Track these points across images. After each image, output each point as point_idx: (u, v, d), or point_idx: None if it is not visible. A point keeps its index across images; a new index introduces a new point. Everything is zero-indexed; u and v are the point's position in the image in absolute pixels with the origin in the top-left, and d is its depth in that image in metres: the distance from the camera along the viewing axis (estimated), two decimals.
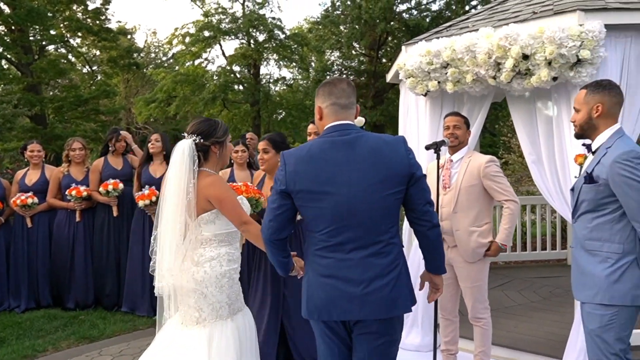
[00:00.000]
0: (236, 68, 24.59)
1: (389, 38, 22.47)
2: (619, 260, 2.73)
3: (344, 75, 24.30)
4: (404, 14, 21.51)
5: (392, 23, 20.51)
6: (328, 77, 24.55)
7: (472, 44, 4.12)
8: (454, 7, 21.25)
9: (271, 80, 26.65)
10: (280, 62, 25.61)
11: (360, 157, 2.46)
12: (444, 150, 4.47)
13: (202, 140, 3.03)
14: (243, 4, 23.83)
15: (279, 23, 23.61)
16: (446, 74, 4.33)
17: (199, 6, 24.07)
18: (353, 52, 23.50)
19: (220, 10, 23.14)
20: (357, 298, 2.42)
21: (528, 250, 6.98)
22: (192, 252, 3.02)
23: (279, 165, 2.57)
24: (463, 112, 4.67)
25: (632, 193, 2.64)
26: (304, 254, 2.63)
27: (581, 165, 3.19)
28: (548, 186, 4.10)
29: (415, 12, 21.01)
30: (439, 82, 4.43)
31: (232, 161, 5.56)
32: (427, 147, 3.82)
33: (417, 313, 4.68)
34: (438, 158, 3.81)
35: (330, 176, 2.45)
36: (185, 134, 3.07)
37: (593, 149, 2.92)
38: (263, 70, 27.86)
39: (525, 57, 3.88)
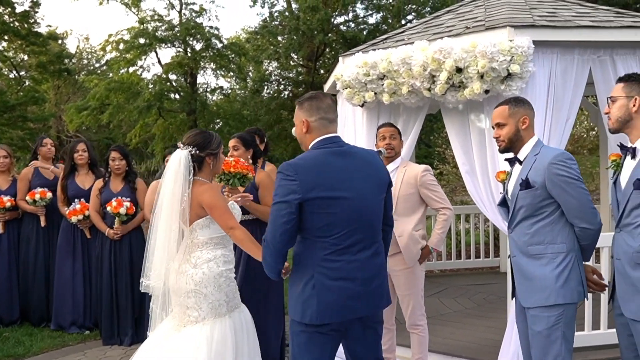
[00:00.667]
0: (172, 76, 24.13)
1: (327, 50, 22.68)
2: (564, 258, 2.84)
3: (282, 86, 24.36)
4: (341, 27, 21.79)
5: (329, 35, 20.71)
6: (266, 87, 24.55)
7: (408, 56, 4.20)
8: (390, 21, 21.70)
9: (208, 90, 26.35)
10: (218, 72, 25.37)
11: (359, 165, 2.73)
12: None
13: (197, 152, 3.25)
14: (180, 12, 23.47)
15: (216, 32, 23.36)
16: (382, 85, 4.39)
17: (134, 13, 23.54)
18: (291, 62, 23.57)
19: (156, 17, 22.69)
20: (362, 296, 2.66)
21: (462, 259, 7.16)
22: (188, 255, 3.25)
23: (282, 177, 2.61)
24: (399, 123, 4.76)
25: (571, 190, 2.77)
26: (305, 260, 2.67)
27: (503, 182, 3.28)
28: (481, 196, 4.21)
29: (352, 25, 21.30)
30: (375, 93, 4.48)
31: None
32: (380, 153, 3.88)
33: None
34: None
35: (341, 182, 2.65)
36: (181, 145, 3.28)
37: (521, 159, 3.00)
38: (200, 79, 27.45)
39: (459, 70, 3.99)
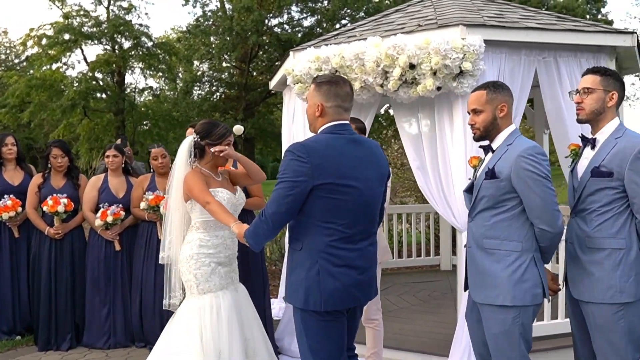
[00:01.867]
0: (99, 75, 23.26)
1: (260, 52, 22.55)
2: (518, 258, 2.72)
3: (214, 88, 23.99)
4: (275, 28, 21.73)
5: (264, 37, 20.59)
6: (197, 88, 24.09)
7: (361, 52, 4.19)
8: (324, 25, 21.85)
9: (137, 90, 25.58)
10: (147, 71, 24.69)
11: (367, 155, 2.75)
12: None
13: (198, 140, 3.50)
14: (107, 8, 22.68)
15: (146, 30, 22.74)
16: None
17: (58, 7, 22.54)
18: (224, 64, 23.28)
19: (82, 12, 21.81)
20: (361, 285, 2.71)
21: (404, 257, 7.25)
22: (185, 234, 3.58)
23: (293, 158, 2.58)
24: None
25: (535, 188, 2.65)
26: (309, 246, 2.64)
27: (475, 167, 3.20)
28: (432, 191, 4.26)
29: (287, 27, 21.29)
30: None
31: (107, 167, 5.21)
32: None
33: None
34: None
35: (351, 170, 2.65)
36: (192, 131, 3.57)
37: (494, 148, 2.88)
38: (128, 78, 26.59)
39: (412, 66, 4.02)
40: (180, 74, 26.23)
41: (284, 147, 5.31)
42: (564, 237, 2.96)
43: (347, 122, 2.77)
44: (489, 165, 2.83)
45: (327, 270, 2.61)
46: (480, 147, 3.07)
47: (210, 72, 23.64)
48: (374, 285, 2.85)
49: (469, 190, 3.06)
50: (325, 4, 21.16)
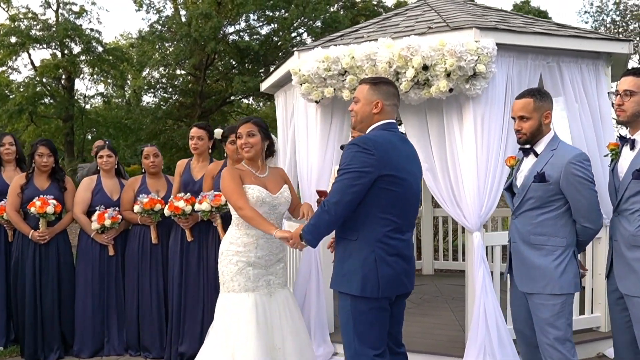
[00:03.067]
0: (47, 80, 22.41)
1: (216, 59, 22.30)
2: (563, 252, 2.99)
3: (168, 95, 23.52)
4: (232, 36, 21.55)
5: (221, 44, 20.38)
6: (151, 95, 23.57)
7: (373, 52, 4.19)
8: (281, 34, 21.83)
9: (87, 96, 24.80)
10: (97, 77, 23.98)
11: (412, 152, 3.03)
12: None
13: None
14: (57, 12, 21.93)
15: (97, 35, 22.10)
16: (344, 81, 4.34)
17: (3, 9, 21.61)
18: (178, 71, 22.88)
19: (30, 15, 21.00)
20: (408, 273, 2.92)
21: None
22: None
23: (359, 150, 2.76)
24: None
25: (584, 191, 2.92)
26: (365, 235, 2.81)
27: (512, 167, 3.34)
28: (442, 193, 4.28)
29: (244, 35, 21.14)
30: (334, 89, 4.43)
31: (99, 168, 4.99)
32: (342, 147, 3.83)
33: (309, 325, 4.55)
34: None
35: (406, 164, 2.89)
36: None
37: (538, 152, 3.08)
38: (78, 84, 25.76)
39: (425, 68, 4.05)
40: (128, 81, 25.62)
41: (280, 148, 5.24)
42: (608, 235, 3.18)
43: (394, 121, 3.02)
44: (537, 168, 3.03)
45: (383, 259, 2.80)
46: (521, 149, 3.26)
47: (164, 79, 23.15)
48: (414, 275, 3.05)
49: (508, 189, 3.30)
50: (283, 13, 21.14)
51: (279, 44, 21.92)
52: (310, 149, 4.73)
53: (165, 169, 5.94)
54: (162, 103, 22.60)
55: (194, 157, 4.82)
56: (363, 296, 2.80)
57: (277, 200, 3.55)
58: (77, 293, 4.75)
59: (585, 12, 20.47)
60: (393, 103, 3.00)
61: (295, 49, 4.87)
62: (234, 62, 22.13)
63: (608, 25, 18.83)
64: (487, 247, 4.22)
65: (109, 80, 24.78)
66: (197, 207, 4.29)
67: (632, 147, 2.98)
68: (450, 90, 4.06)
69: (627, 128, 3.08)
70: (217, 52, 20.50)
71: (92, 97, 25.18)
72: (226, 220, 4.37)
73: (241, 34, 21.39)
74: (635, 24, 18.93)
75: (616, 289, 3.05)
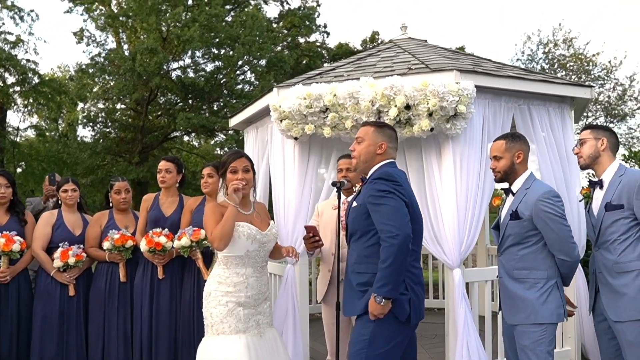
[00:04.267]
0: None
1: (159, 95, 21.96)
2: (545, 284, 3.16)
3: (108, 129, 22.91)
4: (176, 72, 21.33)
5: (164, 79, 20.11)
6: (90, 129, 22.87)
7: (355, 90, 4.25)
8: (225, 71, 21.80)
9: (19, 128, 23.77)
10: (31, 109, 23.07)
11: (411, 188, 3.17)
12: (328, 191, 4.52)
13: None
14: None
15: (33, 66, 21.34)
16: (325, 118, 4.37)
17: None
18: (118, 105, 22.36)
19: None
20: (424, 300, 3.10)
21: None
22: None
23: (388, 183, 2.92)
24: (331, 158, 4.77)
25: (553, 226, 3.09)
26: None
27: (498, 207, 3.53)
28: None
29: (189, 71, 20.99)
30: (315, 126, 4.44)
31: (61, 202, 4.75)
32: (334, 184, 3.82)
33: None
34: (339, 197, 3.79)
35: (414, 199, 3.09)
36: None
37: (514, 191, 3.29)
38: (11, 116, 24.69)
39: (408, 107, 4.14)
40: (63, 114, 24.80)
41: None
42: (590, 270, 3.40)
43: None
44: (512, 207, 3.23)
45: (412, 288, 2.96)
46: (502, 189, 3.50)
47: (103, 113, 22.54)
48: None
49: (496, 227, 3.46)
50: (228, 50, 21.17)
51: (223, 81, 21.89)
52: (287, 186, 4.70)
53: (100, 207, 5.71)
54: (100, 138, 21.93)
55: (162, 191, 4.69)
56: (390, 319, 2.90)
57: (267, 238, 3.48)
58: (33, 337, 4.44)
59: (518, 59, 21.57)
60: (394, 146, 3.22)
61: (275, 85, 4.88)
62: (177, 98, 21.86)
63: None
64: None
65: (43, 113, 23.91)
66: (176, 243, 4.15)
67: (601, 187, 3.33)
68: (432, 129, 4.16)
69: (593, 175, 3.37)
70: (161, 88, 20.19)
71: (25, 129, 24.15)
72: (206, 257, 4.25)
73: (186, 70, 21.20)
74: (562, 72, 20.20)
75: (604, 320, 3.30)
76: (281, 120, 4.50)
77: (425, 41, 5.88)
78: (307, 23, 24.01)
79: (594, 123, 4.02)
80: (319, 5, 24.68)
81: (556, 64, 20.23)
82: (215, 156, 27.57)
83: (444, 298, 6.93)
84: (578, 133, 3.69)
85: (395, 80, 4.17)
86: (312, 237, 3.65)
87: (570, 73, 19.98)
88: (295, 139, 4.58)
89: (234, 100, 21.65)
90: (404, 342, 3.01)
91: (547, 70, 20.63)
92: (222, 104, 22.71)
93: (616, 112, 19.98)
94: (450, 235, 4.20)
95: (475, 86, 4.17)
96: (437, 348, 5.39)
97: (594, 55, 20.11)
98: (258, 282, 3.39)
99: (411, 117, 4.16)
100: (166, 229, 4.31)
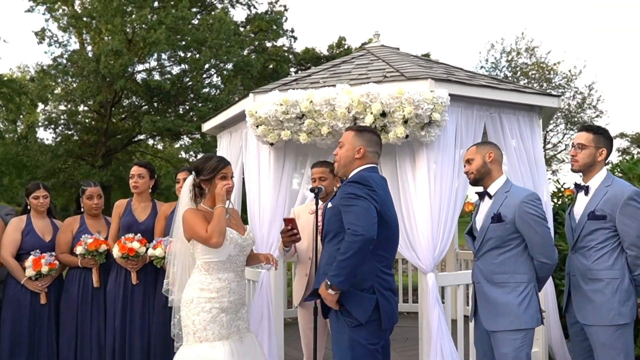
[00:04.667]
0: None
1: (123, 97, 21.66)
2: (525, 288, 3.19)
3: (71, 131, 22.47)
4: (140, 74, 21.08)
5: (129, 82, 19.85)
6: (51, 131, 22.38)
7: (332, 97, 4.29)
8: (190, 75, 21.64)
9: None
10: None
11: (390, 194, 3.19)
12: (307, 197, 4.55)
13: (194, 178, 3.43)
14: None
15: None
16: (301, 124, 4.40)
17: None
18: (81, 107, 21.95)
19: None
20: (397, 306, 3.13)
21: None
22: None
23: (362, 186, 2.93)
24: (306, 164, 4.80)
25: (537, 228, 3.14)
26: (364, 271, 2.93)
27: (471, 212, 3.58)
28: None
29: (155, 74, 20.75)
30: (291, 132, 4.47)
31: (30, 207, 4.66)
32: (312, 190, 3.86)
33: None
34: (317, 203, 3.83)
35: (390, 206, 3.11)
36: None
37: (492, 194, 3.33)
38: None
39: (384, 114, 4.21)
40: (22, 115, 24.22)
41: None
42: (566, 271, 3.49)
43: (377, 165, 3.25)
44: (493, 210, 3.26)
45: (382, 294, 2.98)
46: (477, 192, 3.52)
47: (65, 115, 22.09)
48: None
49: (469, 233, 3.49)
50: (195, 53, 21.02)
51: (189, 84, 21.72)
52: (262, 191, 4.71)
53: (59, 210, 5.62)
54: (62, 140, 21.47)
55: (134, 197, 4.64)
56: (364, 326, 2.93)
57: (246, 242, 3.52)
58: (2, 344, 4.34)
59: (482, 67, 22.09)
60: (375, 150, 3.22)
61: (251, 91, 4.87)
62: (142, 101, 21.58)
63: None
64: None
65: (1, 114, 23.29)
66: (150, 252, 4.12)
67: (586, 193, 3.39)
68: (406, 136, 4.23)
69: (581, 176, 3.41)
70: (126, 90, 19.91)
71: None
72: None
73: (152, 72, 20.96)
74: (524, 80, 20.74)
75: (576, 322, 3.39)
76: (257, 126, 4.51)
77: (398, 49, 5.97)
78: (275, 27, 24.05)
79: (592, 125, 4.01)
80: (286, 10, 24.74)
81: (519, 72, 20.77)
82: (180, 160, 27.23)
83: (414, 302, 7.14)
84: (573, 137, 3.72)
85: (372, 87, 4.22)
86: (290, 230, 3.65)
87: (533, 81, 20.52)
88: (271, 144, 4.59)
89: (200, 104, 21.52)
90: (378, 349, 3.02)
91: (509, 78, 21.14)
92: (188, 108, 22.55)
93: (576, 119, 20.61)
94: (424, 241, 4.27)
95: (449, 94, 4.26)
96: (409, 351, 5.46)
97: (555, 64, 20.77)
98: (239, 287, 3.42)
99: (387, 124, 4.22)
100: (139, 235, 4.27)
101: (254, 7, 24.34)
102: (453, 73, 4.86)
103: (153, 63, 21.27)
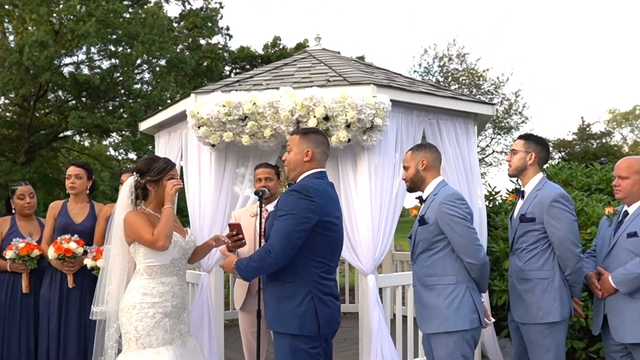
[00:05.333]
0: None
1: (49, 91, 20.73)
2: (454, 290, 3.20)
3: None
4: (68, 67, 20.24)
5: (55, 75, 19.02)
6: None
7: (275, 100, 4.30)
8: (121, 70, 20.99)
9: None
10: None
11: (337, 198, 3.23)
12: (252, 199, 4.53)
13: (138, 178, 3.35)
14: None
15: None
16: (244, 126, 4.38)
17: None
18: (2, 100, 20.85)
19: None
20: (338, 310, 3.15)
21: None
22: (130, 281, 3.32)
23: (300, 197, 2.93)
24: (248, 165, 4.78)
25: (457, 228, 3.16)
26: (302, 277, 2.97)
27: (415, 217, 3.66)
28: None
29: (84, 67, 19.98)
30: (234, 134, 4.44)
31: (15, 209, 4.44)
32: (256, 193, 3.87)
33: None
34: (260, 206, 3.82)
35: (335, 211, 3.12)
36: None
37: (424, 198, 3.41)
38: None
39: (327, 118, 4.25)
40: None
41: None
42: (509, 272, 3.64)
43: (325, 170, 3.24)
44: (421, 213, 3.35)
45: (320, 299, 2.99)
46: (417, 198, 3.60)
47: None
48: None
49: (411, 236, 3.55)
50: (126, 48, 20.40)
51: (119, 80, 21.07)
52: (202, 193, 4.65)
53: None
54: None
55: (71, 198, 4.49)
56: (302, 335, 2.94)
57: (188, 245, 3.49)
58: None
59: (415, 71, 22.62)
60: (323, 150, 3.21)
61: (192, 91, 4.80)
62: (69, 96, 20.74)
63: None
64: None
65: None
66: (90, 263, 3.98)
67: (522, 197, 3.58)
68: (349, 140, 4.29)
69: (518, 181, 3.61)
70: (51, 83, 19.08)
71: None
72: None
73: (80, 66, 20.15)
74: (455, 85, 21.42)
75: (513, 320, 3.57)
76: (199, 127, 4.45)
77: (339, 53, 6.04)
78: (210, 25, 23.69)
79: (527, 133, 4.21)
80: (222, 7, 24.43)
81: (450, 78, 21.43)
82: (108, 157, 26.36)
83: (350, 302, 7.24)
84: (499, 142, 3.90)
85: (315, 91, 4.25)
86: (235, 235, 3.62)
87: (463, 87, 21.21)
88: (213, 145, 4.54)
89: (131, 101, 20.91)
90: (318, 354, 3.02)
91: (441, 83, 21.76)
92: (118, 104, 21.87)
93: (503, 125, 21.48)
94: (365, 243, 4.35)
95: (390, 100, 4.36)
96: (347, 351, 5.54)
97: (484, 70, 21.57)
98: (181, 290, 3.39)
99: (329, 128, 4.27)
100: (76, 236, 4.12)
101: (189, 3, 23.91)
102: (393, 79, 4.98)
103: (82, 56, 20.48)
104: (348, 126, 4.24)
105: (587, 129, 28.99)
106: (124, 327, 3.23)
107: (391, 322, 4.58)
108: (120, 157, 24.50)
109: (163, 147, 5.44)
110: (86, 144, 26.40)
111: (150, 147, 21.03)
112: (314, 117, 4.22)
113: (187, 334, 3.45)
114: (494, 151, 23.10)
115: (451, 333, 3.16)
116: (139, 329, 3.18)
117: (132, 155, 22.14)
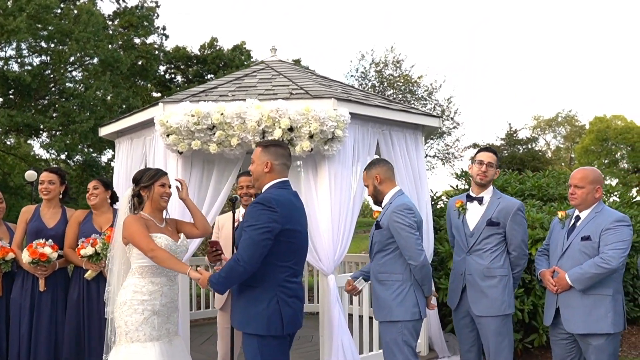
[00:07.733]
0: None
1: None
2: (400, 286, 3.68)
3: None
4: None
5: None
6: None
7: (242, 111, 4.55)
8: (53, 67, 20.42)
9: None
10: None
11: (302, 206, 3.44)
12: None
13: (134, 187, 3.65)
14: None
15: None
16: (212, 135, 4.61)
17: None
18: None
19: None
20: (302, 311, 3.39)
21: None
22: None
23: (263, 208, 3.11)
24: (213, 172, 5.00)
25: (402, 234, 3.62)
26: (268, 281, 3.18)
27: (376, 219, 4.03)
28: None
29: (14, 64, 19.29)
30: (202, 142, 4.65)
31: None
32: (230, 199, 4.10)
33: None
34: (234, 212, 4.07)
35: (299, 219, 3.32)
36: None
37: (382, 206, 3.85)
38: None
39: (291, 129, 4.55)
40: None
41: (120, 195, 5.20)
42: (464, 271, 4.03)
43: (287, 179, 3.42)
44: (378, 219, 3.84)
45: (284, 301, 3.21)
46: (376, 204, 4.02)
47: None
48: None
49: None
50: (58, 45, 19.86)
51: (52, 77, 20.49)
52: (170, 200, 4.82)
53: None
54: None
55: (44, 202, 4.57)
56: (269, 335, 3.17)
57: (180, 248, 3.70)
58: None
59: (352, 75, 23.17)
60: (282, 162, 3.37)
61: (160, 100, 4.97)
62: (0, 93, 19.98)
63: (369, 90, 21.75)
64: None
65: None
66: (83, 252, 4.12)
67: (481, 203, 4.03)
68: (311, 150, 4.61)
69: (470, 188, 4.06)
70: None
71: None
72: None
73: (9, 62, 19.46)
74: (391, 90, 22.15)
75: (466, 315, 4.01)
76: (168, 135, 4.64)
77: (294, 63, 6.34)
78: (146, 24, 23.38)
79: (490, 146, 4.60)
80: (158, 6, 24.16)
81: (385, 83, 22.12)
82: (36, 158, 25.42)
83: (309, 302, 7.55)
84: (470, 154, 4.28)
85: (281, 104, 4.54)
86: (214, 251, 3.91)
87: (398, 92, 21.96)
88: (180, 153, 4.74)
89: (63, 99, 20.37)
90: (284, 352, 3.28)
91: (378, 88, 22.43)
92: (47, 102, 21.24)
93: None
94: (326, 245, 4.68)
95: (349, 113, 4.71)
96: (302, 349, 5.85)
97: (418, 77, 22.39)
98: (171, 290, 3.60)
99: (293, 138, 4.57)
100: (50, 240, 4.22)
101: (124, 1, 23.53)
102: (350, 92, 5.34)
103: (10, 52, 19.77)
104: (311, 137, 4.56)
105: (514, 134, 30.59)
106: (117, 321, 3.47)
107: (350, 317, 4.93)
108: (49, 158, 23.70)
109: (124, 154, 5.57)
110: (8, 142, 25.35)
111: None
112: (280, 127, 4.51)
113: (174, 334, 3.67)
114: (427, 155, 24.04)
115: (395, 322, 3.65)
116: (128, 323, 3.41)
117: (63, 157, 21.48)
